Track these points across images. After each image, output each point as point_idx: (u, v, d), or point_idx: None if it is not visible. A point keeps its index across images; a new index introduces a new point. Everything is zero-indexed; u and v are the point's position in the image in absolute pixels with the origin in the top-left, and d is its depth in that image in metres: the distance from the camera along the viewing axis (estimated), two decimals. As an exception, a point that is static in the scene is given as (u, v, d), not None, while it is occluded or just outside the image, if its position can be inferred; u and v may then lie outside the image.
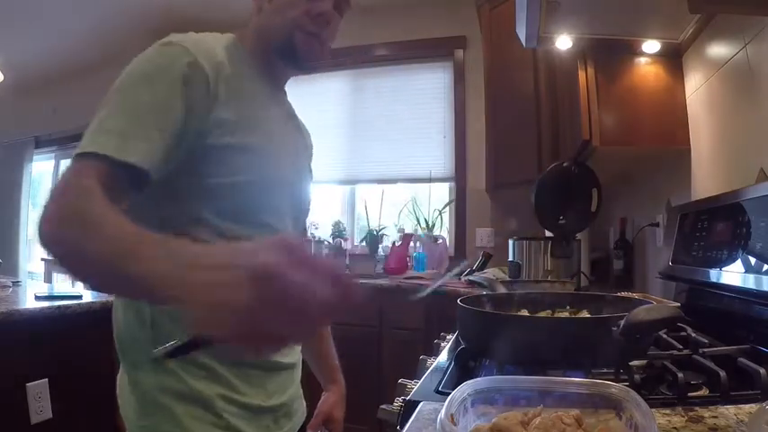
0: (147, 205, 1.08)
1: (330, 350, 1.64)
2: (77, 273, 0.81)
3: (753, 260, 1.24)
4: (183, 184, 1.10)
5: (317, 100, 4.94)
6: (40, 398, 2.22)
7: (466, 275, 3.47)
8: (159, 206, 1.10)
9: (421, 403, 0.85)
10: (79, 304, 2.37)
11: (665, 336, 1.20)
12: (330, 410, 1.59)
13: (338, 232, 4.61)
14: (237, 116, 1.11)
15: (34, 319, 2.22)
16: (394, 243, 4.44)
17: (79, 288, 2.83)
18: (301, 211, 1.40)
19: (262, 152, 1.17)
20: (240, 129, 1.12)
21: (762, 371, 0.88)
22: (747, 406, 0.79)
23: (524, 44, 2.13)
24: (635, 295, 1.69)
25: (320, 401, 1.61)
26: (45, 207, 0.84)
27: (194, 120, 1.04)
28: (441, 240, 4.34)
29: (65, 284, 5.10)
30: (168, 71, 1.03)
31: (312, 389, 1.54)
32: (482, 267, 3.65)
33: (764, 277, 1.17)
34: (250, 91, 1.19)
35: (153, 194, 1.05)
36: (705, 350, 1.08)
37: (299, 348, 1.36)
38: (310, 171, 1.50)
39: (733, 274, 1.32)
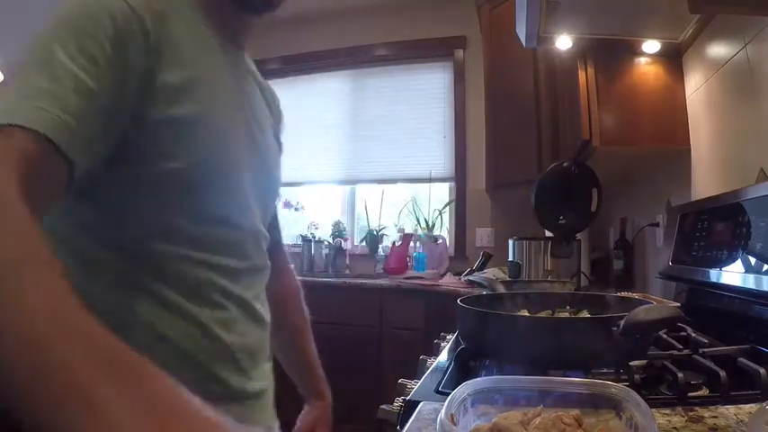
0: (71, 217, 0.87)
1: (314, 355, 1.41)
2: None
3: (753, 260, 1.24)
4: (122, 179, 0.85)
5: (316, 100, 4.96)
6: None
7: (466, 275, 3.47)
8: (86, 213, 0.87)
9: (421, 403, 0.85)
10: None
11: (665, 336, 1.20)
12: (312, 428, 1.35)
13: (338, 232, 4.61)
14: (184, 79, 0.87)
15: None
16: (394, 243, 4.43)
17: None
18: (269, 196, 1.16)
19: (214, 124, 0.93)
20: (186, 95, 0.88)
21: (762, 371, 0.88)
22: (747, 406, 0.79)
23: (524, 44, 2.13)
24: (635, 295, 1.69)
25: (300, 415, 1.37)
26: None
27: (131, 85, 0.81)
28: (441, 240, 4.34)
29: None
30: (96, 21, 0.79)
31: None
32: (482, 267, 3.65)
33: (764, 277, 1.17)
34: (199, 47, 0.95)
35: (84, 200, 0.85)
36: (705, 350, 1.08)
37: (267, 369, 1.09)
38: (279, 144, 1.25)
39: (733, 274, 1.32)
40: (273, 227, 1.25)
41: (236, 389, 0.96)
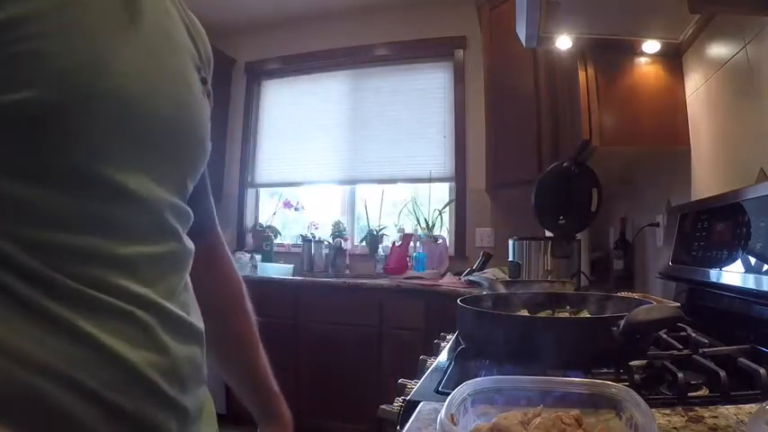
0: None
1: (266, 369, 1.10)
2: None
3: (753, 260, 1.24)
4: None
5: (316, 100, 4.97)
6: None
7: (466, 275, 3.47)
8: None
9: (421, 403, 0.85)
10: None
11: (664, 336, 1.20)
12: None
13: (338, 232, 4.62)
14: None
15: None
16: (394, 243, 4.43)
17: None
18: (189, 154, 0.80)
19: (85, 28, 0.61)
20: None
21: (762, 371, 0.88)
22: (747, 406, 0.79)
23: (524, 44, 2.13)
24: (635, 295, 1.69)
25: None
26: None
27: None
28: (441, 240, 4.34)
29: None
30: None
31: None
32: (482, 267, 3.65)
33: (764, 277, 1.17)
34: None
35: None
36: (705, 350, 1.08)
37: (202, 395, 0.80)
38: (206, 91, 0.86)
39: (733, 274, 1.32)
40: (201, 200, 0.92)
41: (162, 428, 0.68)
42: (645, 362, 1.03)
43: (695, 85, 2.00)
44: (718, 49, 1.78)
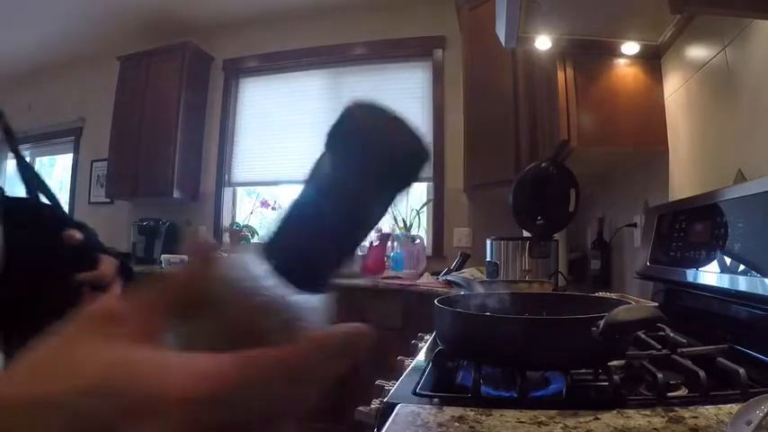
0: None
1: None
2: None
3: (729, 260, 1.25)
4: None
5: (294, 98, 4.95)
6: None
7: (443, 275, 3.47)
8: None
9: (398, 406, 0.84)
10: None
11: (643, 336, 1.20)
12: None
13: (316, 232, 4.59)
14: None
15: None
16: (371, 243, 4.41)
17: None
18: None
19: None
20: None
21: (741, 371, 0.87)
22: (727, 406, 0.78)
23: (504, 44, 2.13)
24: (613, 295, 1.69)
25: None
26: None
27: None
28: (418, 240, 4.32)
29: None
30: None
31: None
32: (460, 267, 3.65)
33: (741, 277, 1.18)
34: None
35: None
36: (683, 350, 1.07)
37: None
38: None
39: (710, 275, 1.33)
40: None
41: None
42: (624, 362, 1.03)
43: (674, 87, 2.00)
44: (698, 52, 1.79)
